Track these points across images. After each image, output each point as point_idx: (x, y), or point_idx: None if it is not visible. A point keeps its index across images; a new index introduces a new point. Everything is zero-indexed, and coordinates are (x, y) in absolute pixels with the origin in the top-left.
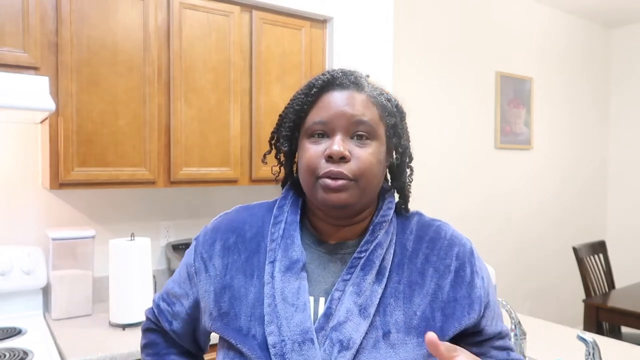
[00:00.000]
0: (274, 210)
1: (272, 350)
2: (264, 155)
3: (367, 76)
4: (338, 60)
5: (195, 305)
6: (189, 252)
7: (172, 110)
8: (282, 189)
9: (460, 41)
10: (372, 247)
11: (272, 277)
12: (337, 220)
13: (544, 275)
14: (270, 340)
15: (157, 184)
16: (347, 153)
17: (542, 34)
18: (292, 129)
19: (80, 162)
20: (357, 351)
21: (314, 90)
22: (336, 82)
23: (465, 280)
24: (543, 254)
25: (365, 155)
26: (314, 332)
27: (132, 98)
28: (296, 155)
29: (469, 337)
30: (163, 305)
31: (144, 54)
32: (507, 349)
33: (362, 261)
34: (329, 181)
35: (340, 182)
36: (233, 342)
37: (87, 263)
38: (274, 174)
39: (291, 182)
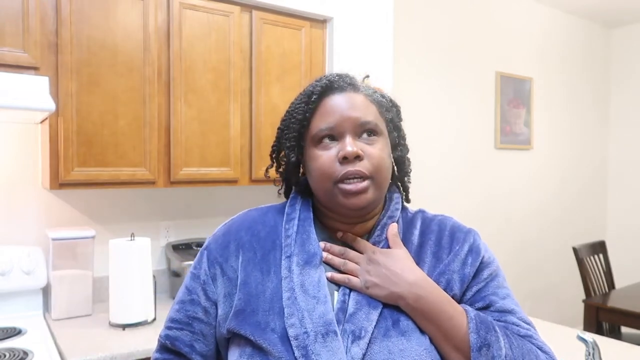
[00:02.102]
0: (286, 208)
1: (294, 343)
2: (267, 170)
3: (367, 76)
4: (338, 61)
5: (216, 315)
6: (198, 264)
7: (172, 110)
8: (285, 196)
9: (460, 41)
10: (379, 247)
11: (290, 271)
12: (348, 218)
13: (544, 275)
14: (292, 332)
15: (157, 184)
16: (360, 152)
17: (542, 34)
18: (296, 138)
19: (80, 162)
20: (370, 341)
21: (314, 97)
22: (334, 85)
23: (460, 257)
24: (543, 254)
25: (376, 152)
26: (336, 324)
27: (132, 98)
28: (301, 165)
29: (479, 311)
30: (174, 333)
31: (144, 54)
32: (517, 325)
33: None
34: (348, 186)
35: (359, 185)
36: (251, 337)
37: (87, 263)
38: (278, 188)
39: (295, 187)
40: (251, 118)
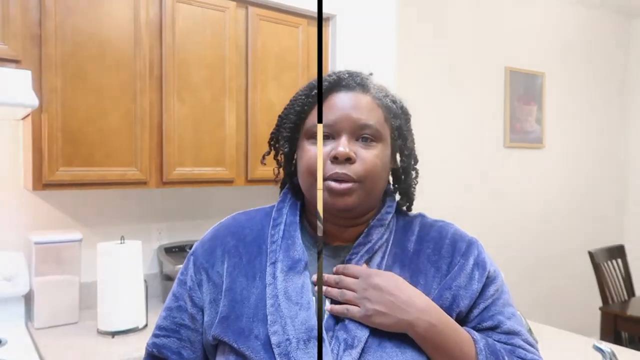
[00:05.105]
0: (273, 213)
1: (276, 350)
2: (263, 157)
3: (370, 74)
4: (341, 59)
5: (202, 322)
6: (185, 270)
7: (164, 107)
8: (281, 190)
9: (466, 36)
10: (364, 250)
11: (274, 277)
12: (339, 220)
13: (557, 281)
14: (274, 339)
15: (149, 184)
16: (352, 154)
17: (553, 26)
18: (292, 130)
19: (66, 161)
20: (363, 350)
21: (316, 91)
22: (342, 83)
23: (466, 271)
24: (557, 258)
25: (371, 157)
26: (319, 330)
27: (121, 94)
28: (295, 157)
29: (486, 331)
30: (161, 340)
31: (134, 48)
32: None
33: (354, 262)
34: (334, 184)
35: (345, 185)
36: (234, 345)
37: (73, 268)
38: (275, 176)
39: (289, 185)
40: (247, 116)
